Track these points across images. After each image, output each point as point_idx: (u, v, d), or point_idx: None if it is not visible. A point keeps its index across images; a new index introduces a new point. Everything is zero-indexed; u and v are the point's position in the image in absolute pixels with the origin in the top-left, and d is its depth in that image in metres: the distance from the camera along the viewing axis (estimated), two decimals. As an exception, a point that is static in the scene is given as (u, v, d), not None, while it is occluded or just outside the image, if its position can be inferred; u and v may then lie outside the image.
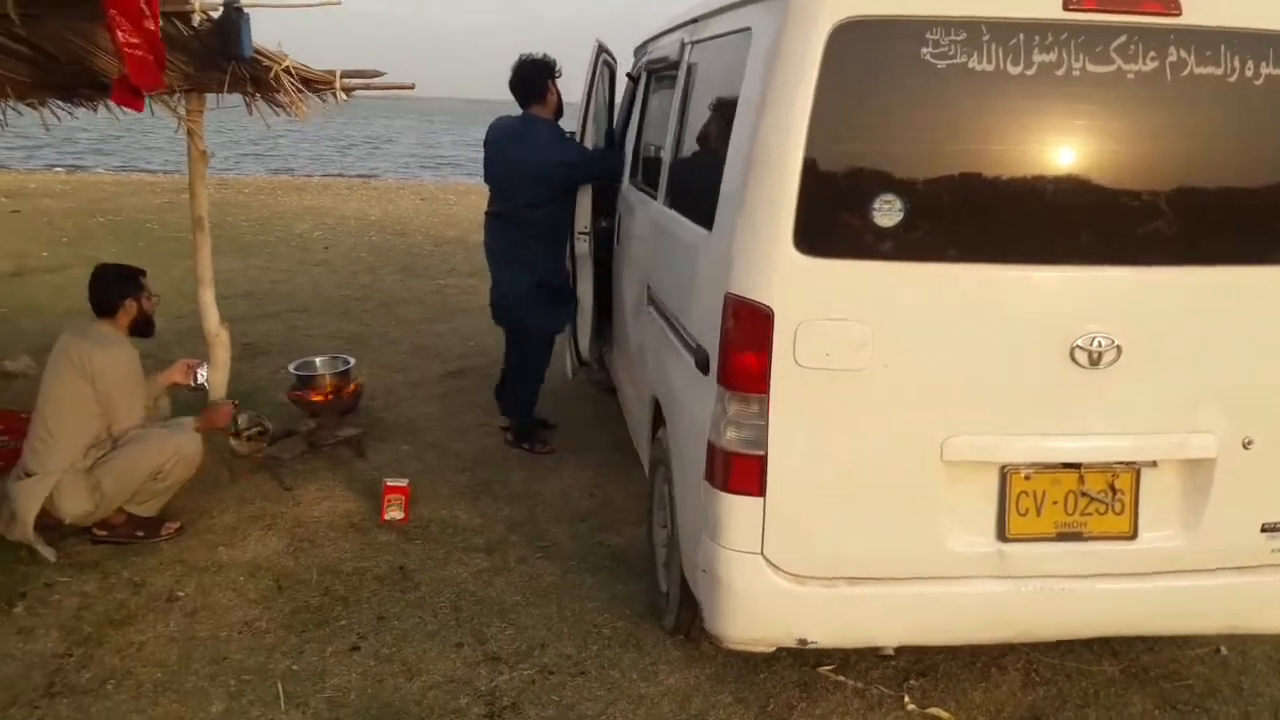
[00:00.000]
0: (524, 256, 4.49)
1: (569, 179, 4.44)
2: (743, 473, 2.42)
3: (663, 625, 3.14)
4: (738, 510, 2.45)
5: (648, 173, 4.03)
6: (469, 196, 15.95)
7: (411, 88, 3.97)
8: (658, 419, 3.30)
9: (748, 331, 2.37)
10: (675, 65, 3.57)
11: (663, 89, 3.93)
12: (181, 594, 3.34)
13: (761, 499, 2.43)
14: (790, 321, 2.33)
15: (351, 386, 4.60)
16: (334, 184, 18.48)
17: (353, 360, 4.65)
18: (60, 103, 4.50)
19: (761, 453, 2.40)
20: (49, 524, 3.52)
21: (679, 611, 2.96)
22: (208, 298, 5.17)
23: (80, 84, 4.11)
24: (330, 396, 4.50)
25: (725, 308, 2.41)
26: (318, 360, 4.71)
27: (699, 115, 3.16)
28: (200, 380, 4.04)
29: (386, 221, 12.98)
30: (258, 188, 17.29)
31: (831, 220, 2.35)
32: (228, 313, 5.24)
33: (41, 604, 3.23)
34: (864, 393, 2.39)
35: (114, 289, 3.68)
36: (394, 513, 3.94)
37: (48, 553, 3.47)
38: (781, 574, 2.47)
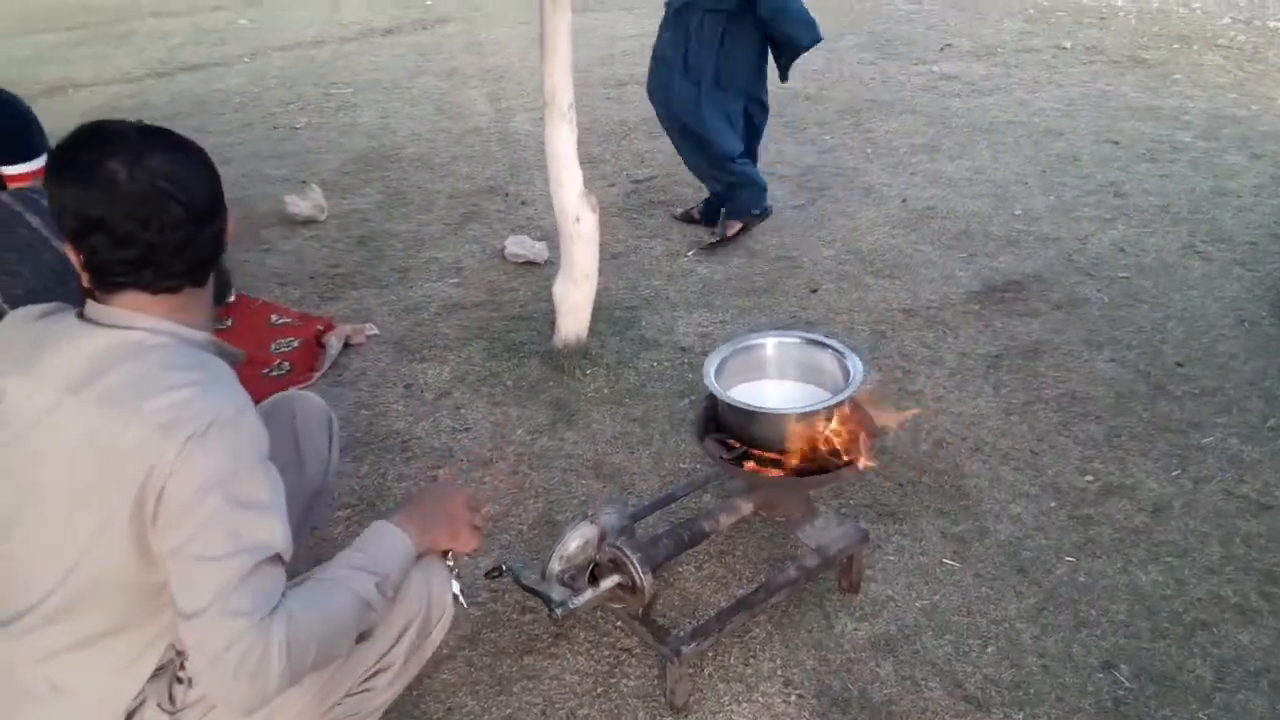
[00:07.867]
0: None
1: None
2: None
3: None
4: None
5: None
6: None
7: None
8: None
9: None
10: None
11: None
12: None
13: None
14: None
15: (843, 434, 1.79)
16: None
17: (857, 365, 1.80)
18: None
19: None
20: None
21: None
22: (559, 133, 2.56)
23: None
24: (798, 462, 1.75)
25: None
26: (768, 346, 1.91)
27: None
28: None
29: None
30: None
31: None
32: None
33: None
34: None
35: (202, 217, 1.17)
36: None
37: None
38: None
